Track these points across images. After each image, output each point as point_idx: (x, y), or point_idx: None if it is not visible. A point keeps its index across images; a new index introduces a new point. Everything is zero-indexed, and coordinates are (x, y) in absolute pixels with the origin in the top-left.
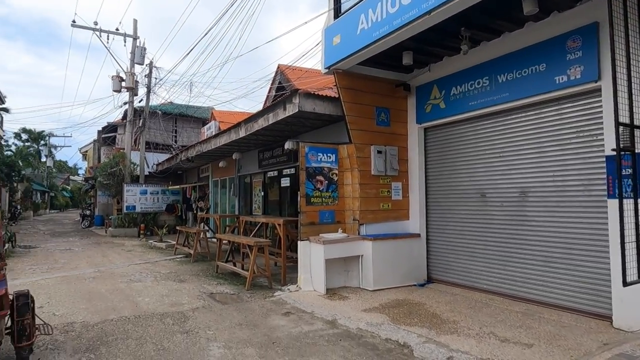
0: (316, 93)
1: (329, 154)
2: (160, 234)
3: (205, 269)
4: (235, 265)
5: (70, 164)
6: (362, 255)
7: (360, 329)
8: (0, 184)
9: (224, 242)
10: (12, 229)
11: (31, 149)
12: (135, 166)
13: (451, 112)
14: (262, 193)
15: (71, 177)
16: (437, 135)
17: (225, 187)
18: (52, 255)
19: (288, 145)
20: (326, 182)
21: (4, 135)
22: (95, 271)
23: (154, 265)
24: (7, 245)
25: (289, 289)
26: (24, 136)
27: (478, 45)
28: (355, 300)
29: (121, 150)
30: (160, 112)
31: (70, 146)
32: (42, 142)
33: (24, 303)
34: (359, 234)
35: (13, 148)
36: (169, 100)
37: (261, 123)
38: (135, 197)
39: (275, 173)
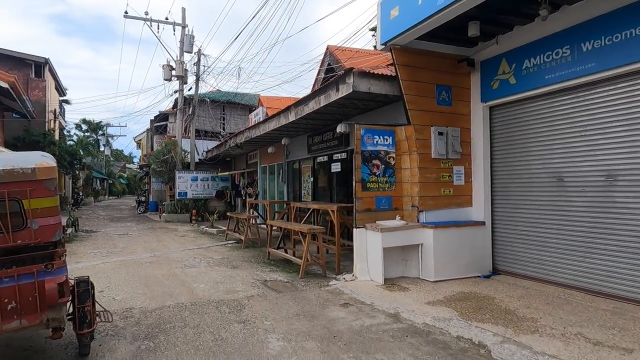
0: (372, 72)
1: (385, 137)
2: (211, 220)
3: (257, 255)
4: (286, 252)
5: (126, 153)
6: (421, 244)
7: (426, 324)
8: (64, 171)
9: (274, 228)
10: (75, 214)
11: (90, 138)
12: (186, 153)
13: (523, 87)
14: (312, 179)
15: (127, 165)
16: (505, 114)
17: (274, 173)
18: (111, 239)
19: (340, 128)
20: (383, 166)
21: (66, 126)
22: (152, 256)
23: (207, 250)
24: (70, 229)
25: (344, 278)
26: (84, 127)
27: (557, 10)
28: (416, 291)
29: (172, 138)
30: (208, 99)
31: (125, 135)
32: (100, 132)
33: (84, 290)
34: (418, 221)
35: (75, 138)
36: (216, 88)
37: (312, 106)
38: (186, 184)
39: (325, 158)
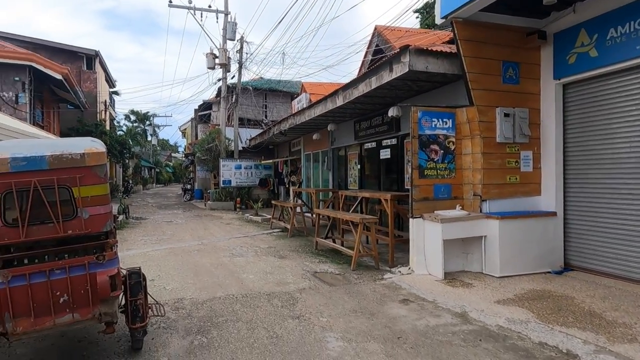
0: (430, 49)
1: (444, 120)
2: (255, 208)
3: (304, 244)
4: (334, 242)
5: (171, 142)
6: (485, 236)
7: (501, 326)
8: (114, 160)
9: (321, 217)
10: (125, 201)
11: (139, 128)
12: (230, 142)
13: (607, 60)
14: (358, 166)
15: (172, 154)
16: (582, 91)
17: (318, 161)
18: (159, 227)
19: (392, 112)
20: (441, 151)
21: (116, 117)
22: (199, 244)
23: (253, 239)
24: (121, 216)
25: (399, 272)
26: (132, 117)
27: None
28: (481, 288)
29: (216, 127)
30: (251, 87)
31: (170, 125)
32: (147, 122)
33: (136, 282)
34: (480, 211)
35: (124, 128)
36: (259, 75)
37: (362, 89)
38: (230, 172)
39: (373, 144)
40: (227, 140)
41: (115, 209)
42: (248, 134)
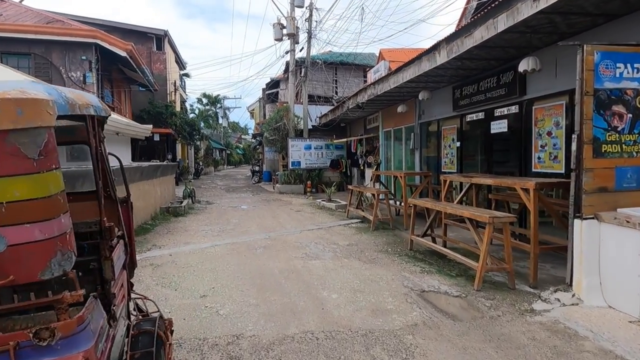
0: None
1: (635, 65)
2: (327, 193)
3: (392, 242)
4: (435, 241)
5: (242, 124)
6: None
7: None
8: (185, 142)
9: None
10: (191, 185)
11: (210, 111)
12: (299, 120)
13: None
14: (458, 144)
15: (242, 136)
16: None
17: (401, 139)
18: (225, 213)
19: (526, 65)
20: (629, 115)
21: (187, 99)
22: (266, 237)
23: (328, 232)
24: (186, 200)
25: (557, 299)
26: (205, 100)
27: None
28: None
29: (284, 104)
30: (320, 61)
31: (240, 107)
32: (219, 105)
33: (145, 353)
34: None
35: (197, 111)
36: (328, 49)
37: (479, 36)
38: (299, 153)
39: (481, 115)
40: (295, 119)
41: (179, 192)
42: (318, 111)
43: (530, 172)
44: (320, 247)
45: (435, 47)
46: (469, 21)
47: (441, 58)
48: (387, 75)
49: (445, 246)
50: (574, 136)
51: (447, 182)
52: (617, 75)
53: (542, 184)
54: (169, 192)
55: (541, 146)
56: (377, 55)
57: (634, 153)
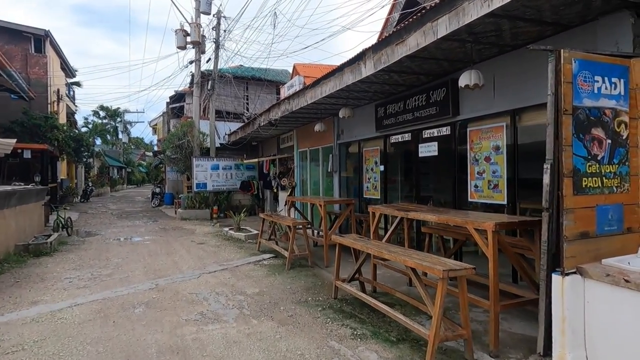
0: None
1: (613, 79)
2: (236, 220)
3: (312, 286)
4: (364, 288)
5: (147, 141)
6: None
7: None
8: (71, 159)
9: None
10: (64, 213)
11: (108, 125)
12: (205, 137)
13: None
14: (381, 168)
15: (146, 153)
16: None
17: (318, 160)
18: (106, 250)
19: (467, 80)
20: (608, 141)
21: (76, 111)
22: (152, 288)
23: (235, 274)
24: (56, 234)
25: None
26: (102, 113)
27: None
28: None
29: (189, 119)
30: (230, 75)
31: (143, 122)
32: (118, 118)
33: None
34: None
35: (91, 125)
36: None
37: (414, 43)
38: (205, 174)
39: (408, 137)
40: (201, 136)
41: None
42: (227, 128)
43: (466, 203)
44: (222, 300)
45: (360, 57)
46: (378, 41)
47: (367, 70)
48: (303, 89)
49: (375, 291)
50: (546, 166)
51: (377, 215)
52: (596, 90)
53: (503, 225)
54: (33, 224)
55: (478, 173)
56: (291, 71)
57: (614, 188)
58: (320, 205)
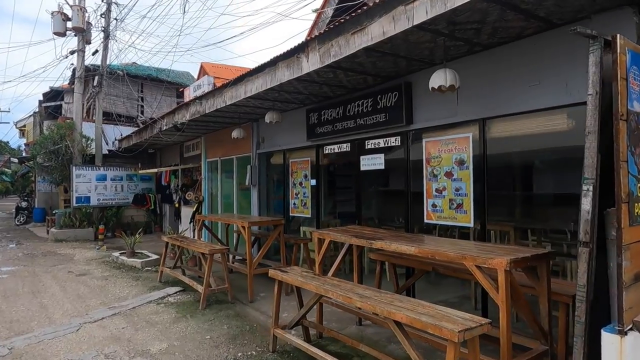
0: None
1: None
2: (129, 243)
3: (238, 333)
4: (307, 335)
5: (14, 145)
6: None
7: None
8: None
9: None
10: None
11: None
12: (89, 142)
13: None
14: (313, 182)
15: (12, 159)
16: None
17: (231, 172)
18: None
19: (442, 79)
20: None
21: None
22: (3, 355)
23: (131, 321)
24: None
25: None
26: None
27: None
28: None
29: (68, 120)
30: (122, 72)
31: (8, 122)
32: None
33: None
34: None
35: None
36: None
37: (378, 31)
38: (89, 185)
39: (346, 147)
40: (84, 140)
41: None
42: (117, 133)
43: (422, 224)
44: None
45: (301, 49)
46: (326, 30)
47: (310, 64)
48: (221, 88)
49: (321, 337)
50: (587, 188)
51: (327, 243)
52: None
53: (519, 262)
54: None
55: (437, 190)
56: (197, 72)
57: None
58: (244, 227)
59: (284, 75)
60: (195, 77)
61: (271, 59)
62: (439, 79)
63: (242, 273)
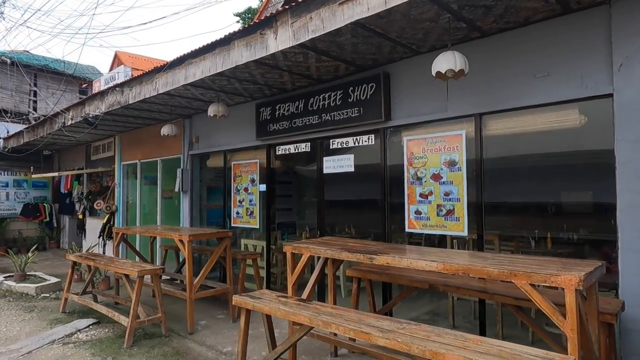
0: None
1: None
2: (19, 264)
3: None
4: None
5: None
6: None
7: None
8: None
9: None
10: None
11: None
12: None
13: None
14: (262, 187)
15: None
16: None
17: (154, 177)
18: None
19: (450, 64)
20: None
21: None
22: None
23: None
24: None
25: None
26: None
27: None
28: None
29: None
30: (10, 59)
31: None
32: None
33: None
34: None
35: None
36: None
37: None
38: None
39: (305, 147)
40: None
41: None
42: (3, 130)
43: (402, 233)
44: None
45: (267, 23)
46: (280, 9)
47: (279, 42)
48: (151, 72)
49: None
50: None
51: (306, 258)
52: None
53: (589, 276)
54: None
55: (422, 195)
56: (110, 63)
57: None
58: (183, 242)
59: (241, 56)
60: (103, 72)
61: (224, 36)
62: (447, 62)
63: (173, 297)
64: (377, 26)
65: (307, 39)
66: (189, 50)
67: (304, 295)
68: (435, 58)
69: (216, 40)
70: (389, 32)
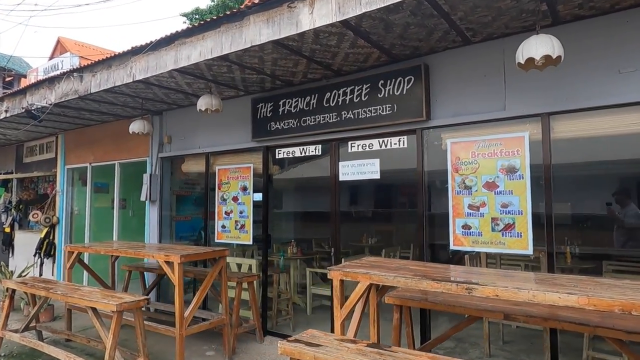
0: None
1: None
2: None
3: None
4: None
5: None
6: None
7: None
8: None
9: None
10: None
11: None
12: None
13: None
14: (258, 196)
15: None
16: None
17: (109, 184)
18: None
19: (547, 48)
20: None
21: None
22: None
23: None
24: None
25: None
26: None
27: None
28: None
29: None
30: None
31: None
32: None
33: None
34: None
35: None
36: None
37: None
38: None
39: (315, 150)
40: None
41: None
42: None
43: (446, 251)
44: None
45: None
46: None
47: (315, 16)
48: (128, 53)
49: None
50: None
51: (365, 287)
52: None
53: None
54: None
55: (471, 207)
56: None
57: None
58: (172, 263)
59: (259, 34)
60: (32, 66)
61: (236, 10)
62: (544, 46)
63: (154, 331)
64: (446, 1)
65: (358, 13)
66: (183, 28)
67: (350, 334)
68: (524, 42)
69: (224, 15)
70: (455, 10)
